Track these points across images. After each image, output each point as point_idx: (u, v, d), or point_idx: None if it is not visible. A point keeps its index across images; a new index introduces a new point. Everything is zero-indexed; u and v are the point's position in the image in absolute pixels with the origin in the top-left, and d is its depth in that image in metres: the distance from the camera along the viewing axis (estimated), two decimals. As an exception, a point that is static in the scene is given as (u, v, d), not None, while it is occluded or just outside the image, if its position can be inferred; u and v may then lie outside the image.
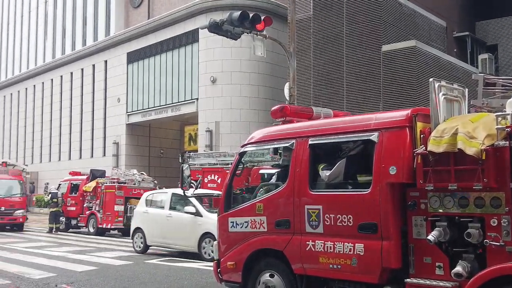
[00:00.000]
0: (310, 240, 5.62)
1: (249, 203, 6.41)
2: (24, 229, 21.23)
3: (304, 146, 5.94)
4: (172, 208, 12.94)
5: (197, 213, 11.92)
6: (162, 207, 13.18)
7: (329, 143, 5.81)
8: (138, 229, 13.66)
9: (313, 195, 5.73)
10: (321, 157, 5.92)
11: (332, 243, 5.42)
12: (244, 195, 6.87)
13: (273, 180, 6.74)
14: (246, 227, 6.29)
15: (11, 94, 45.10)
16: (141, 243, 13.47)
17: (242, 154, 6.87)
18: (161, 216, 12.95)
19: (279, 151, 6.61)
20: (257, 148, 6.90)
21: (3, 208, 20.78)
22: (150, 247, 13.54)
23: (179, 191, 12.02)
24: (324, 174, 5.71)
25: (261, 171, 13.23)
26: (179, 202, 12.78)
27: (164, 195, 13.48)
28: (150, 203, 13.82)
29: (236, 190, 6.97)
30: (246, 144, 6.79)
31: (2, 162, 32.64)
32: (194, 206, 12.15)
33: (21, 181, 22.04)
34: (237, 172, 6.92)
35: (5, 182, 21.80)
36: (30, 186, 25.38)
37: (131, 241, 13.97)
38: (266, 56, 16.83)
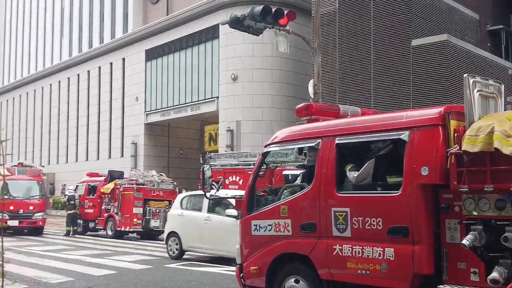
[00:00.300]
0: (337, 244, 5.60)
1: (273, 205, 6.41)
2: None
3: (330, 146, 5.92)
4: (210, 210, 12.51)
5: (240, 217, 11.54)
6: (200, 210, 12.79)
7: (357, 143, 5.77)
8: (173, 233, 13.28)
9: (340, 197, 5.70)
10: (348, 157, 5.89)
11: (361, 248, 5.39)
12: (268, 197, 6.86)
13: (298, 181, 6.73)
14: (269, 230, 6.29)
15: (27, 93, 45.92)
16: (176, 248, 13.11)
17: (265, 155, 6.87)
18: (199, 219, 12.56)
19: (304, 151, 6.59)
20: (281, 148, 6.88)
21: (21, 211, 20.30)
22: (186, 252, 13.17)
23: (218, 193, 11.72)
24: (352, 175, 5.69)
25: (285, 172, 13.24)
26: (218, 205, 12.35)
27: (202, 196, 13.02)
28: (186, 205, 13.43)
29: (259, 192, 6.96)
30: (269, 144, 6.79)
31: (18, 163, 33.36)
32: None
33: (40, 182, 21.70)
34: (260, 173, 6.92)
35: (23, 183, 21.34)
36: (50, 187, 25.15)
37: (165, 245, 13.63)
38: (289, 52, 16.79)
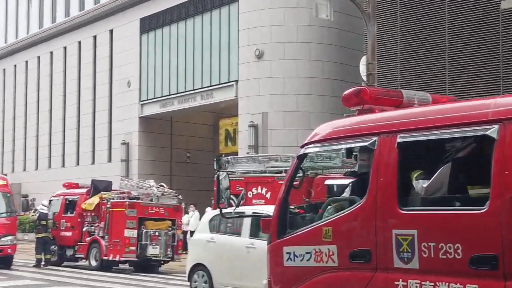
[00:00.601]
0: (401, 279, 5.57)
1: (312, 226, 6.41)
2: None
3: (390, 146, 5.89)
4: (254, 234, 12.10)
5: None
6: (238, 234, 12.58)
7: (427, 141, 5.73)
8: (199, 266, 13.09)
9: (404, 215, 5.67)
10: (415, 160, 5.86)
11: (432, 284, 5.36)
12: (305, 215, 6.89)
13: (346, 194, 6.70)
14: (308, 259, 6.30)
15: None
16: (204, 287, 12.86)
17: (302, 158, 6.87)
18: (238, 246, 12.29)
19: (354, 153, 6.58)
20: (323, 149, 6.87)
21: None
22: None
23: (264, 209, 11.38)
24: (420, 185, 5.65)
25: (328, 182, 13.24)
26: None
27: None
28: (217, 227, 13.19)
29: (293, 208, 6.98)
30: (307, 144, 6.79)
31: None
32: None
33: (9, 194, 20.97)
34: (294, 183, 6.93)
35: None
36: (23, 202, 24.03)
37: (188, 283, 13.40)
38: (334, 19, 16.78)
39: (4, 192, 20.78)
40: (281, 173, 15.30)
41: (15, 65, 43.37)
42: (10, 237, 20.01)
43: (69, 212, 21.82)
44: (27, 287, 15.74)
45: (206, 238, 13.13)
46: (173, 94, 31.51)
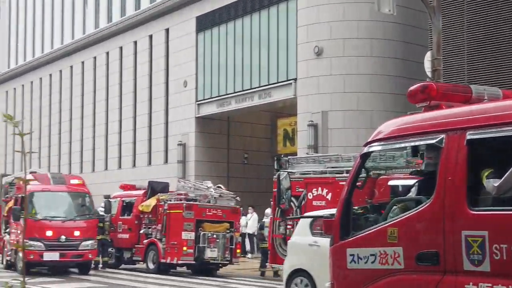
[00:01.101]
0: (471, 283, 5.52)
1: (377, 227, 6.39)
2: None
3: (459, 143, 5.83)
4: None
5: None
6: None
7: (498, 138, 5.64)
8: (299, 272, 12.62)
9: (474, 215, 5.60)
10: (485, 159, 5.81)
11: (505, 288, 5.27)
12: (369, 216, 6.86)
13: (412, 194, 6.67)
14: (372, 262, 6.27)
15: (40, 78, 47.85)
16: None
17: (365, 157, 6.85)
18: None
19: (419, 151, 6.51)
20: (387, 148, 6.85)
21: (63, 238, 19.08)
22: None
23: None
24: (491, 184, 5.57)
25: (392, 183, 13.10)
26: None
27: None
28: (320, 229, 12.35)
29: (356, 209, 6.95)
30: (370, 142, 6.77)
31: (31, 172, 34.79)
32: None
33: (87, 195, 20.36)
34: (357, 183, 6.90)
35: (63, 197, 20.19)
36: (106, 202, 21.87)
37: None
38: (397, 14, 16.59)
39: (80, 192, 20.47)
40: (342, 173, 15.19)
41: (71, 66, 44.30)
42: (90, 242, 19.45)
43: (126, 214, 22.17)
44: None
45: (307, 242, 12.66)
46: (230, 94, 31.69)
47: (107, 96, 40.48)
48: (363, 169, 6.96)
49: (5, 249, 21.05)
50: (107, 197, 22.60)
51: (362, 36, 26.73)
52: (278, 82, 29.21)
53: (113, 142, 39.70)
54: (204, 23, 33.35)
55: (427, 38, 21.15)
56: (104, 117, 40.65)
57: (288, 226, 16.57)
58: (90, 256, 19.57)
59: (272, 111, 34.13)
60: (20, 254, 18.87)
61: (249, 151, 34.87)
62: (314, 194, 16.20)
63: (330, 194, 15.69)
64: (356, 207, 6.99)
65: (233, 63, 31.74)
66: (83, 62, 42.98)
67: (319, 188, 16.16)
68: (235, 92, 31.43)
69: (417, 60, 24.26)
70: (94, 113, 41.65)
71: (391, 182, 13.26)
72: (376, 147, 6.80)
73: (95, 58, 41.75)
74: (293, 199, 15.25)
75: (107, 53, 40.55)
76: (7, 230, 21.14)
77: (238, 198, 21.41)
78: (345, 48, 26.82)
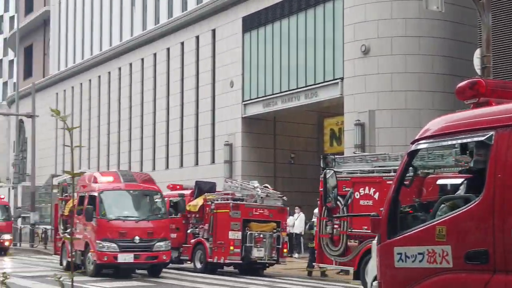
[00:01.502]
0: (522, 282, 5.41)
1: (425, 226, 6.33)
2: None
3: (508, 140, 5.77)
4: None
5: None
6: None
7: (549, 135, 5.55)
8: None
9: (525, 213, 5.50)
10: (536, 156, 5.68)
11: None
12: (417, 215, 6.80)
13: (460, 191, 6.59)
14: (420, 261, 6.22)
15: (90, 80, 48.60)
16: None
17: (412, 154, 6.79)
18: None
19: (468, 148, 6.46)
20: (435, 145, 6.79)
21: (137, 239, 18.51)
22: None
23: None
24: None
25: (441, 182, 12.92)
26: None
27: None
28: None
29: (404, 208, 6.90)
30: (418, 140, 6.71)
31: (80, 173, 35.35)
32: None
33: (160, 193, 19.87)
34: (405, 181, 6.84)
35: (136, 196, 19.66)
36: (180, 202, 20.99)
37: None
38: (445, 11, 16.41)
39: (151, 191, 19.83)
40: (389, 172, 15.09)
41: (119, 68, 44.88)
42: (164, 242, 18.88)
43: (173, 214, 22.35)
44: (134, 288, 16.30)
45: None
46: (276, 93, 31.70)
47: (155, 97, 40.88)
48: (411, 167, 6.90)
49: (64, 249, 20.71)
50: (181, 196, 21.65)
51: (410, 34, 26.49)
52: (324, 82, 29.12)
53: (161, 142, 40.09)
54: (250, 23, 33.44)
55: (476, 35, 20.86)
56: (151, 118, 41.07)
57: (335, 226, 16.53)
58: (164, 258, 18.95)
59: (318, 111, 34.04)
60: (90, 256, 18.69)
61: (296, 151, 34.84)
62: (361, 194, 16.11)
63: (377, 194, 15.59)
64: (403, 206, 6.94)
65: (279, 62, 31.76)
66: (131, 64, 43.50)
67: (366, 188, 16.07)
68: (281, 92, 31.44)
69: (466, 57, 23.97)
70: (142, 114, 42.10)
71: (440, 181, 13.10)
72: (423, 145, 6.75)
73: (142, 59, 42.21)
74: (339, 197, 15.20)
75: (155, 54, 40.96)
76: (68, 230, 20.66)
77: (284, 197, 21.42)
78: (392, 46, 26.63)
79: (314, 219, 20.99)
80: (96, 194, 19.00)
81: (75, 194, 20.52)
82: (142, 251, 18.54)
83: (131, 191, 19.61)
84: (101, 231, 18.35)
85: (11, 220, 33.14)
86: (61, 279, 3.65)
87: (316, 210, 22.46)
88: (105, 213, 18.68)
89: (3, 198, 34.87)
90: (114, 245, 18.23)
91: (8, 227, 31.51)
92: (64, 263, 20.86)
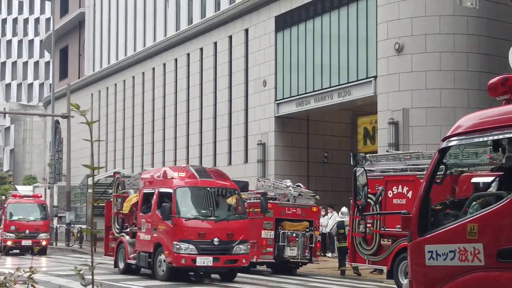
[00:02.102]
0: (556, 281, 5.32)
1: (456, 223, 6.27)
2: None
3: (541, 136, 5.66)
4: None
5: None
6: None
7: None
8: None
9: (558, 210, 5.42)
10: None
11: None
12: (448, 213, 6.75)
13: (492, 189, 6.52)
14: (452, 259, 6.16)
15: (124, 81, 49.01)
16: None
17: (444, 151, 6.73)
18: None
19: (501, 145, 6.42)
20: (467, 142, 6.68)
21: (216, 240, 17.03)
22: None
23: None
24: None
25: (475, 180, 12.79)
26: None
27: None
28: None
29: (435, 205, 6.84)
30: (449, 137, 6.64)
31: (115, 173, 35.60)
32: None
33: (238, 191, 18.49)
34: (436, 179, 6.78)
35: (214, 193, 17.81)
36: (263, 200, 19.79)
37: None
38: (479, 7, 16.25)
39: (230, 188, 18.32)
40: (423, 171, 14.99)
41: (153, 68, 45.19)
42: (244, 245, 17.51)
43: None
44: (163, 286, 16.37)
45: None
46: (309, 92, 31.65)
47: (188, 97, 41.09)
48: (442, 164, 6.84)
49: (122, 251, 19.52)
50: (264, 195, 19.83)
51: (444, 31, 26.24)
52: (357, 80, 28.99)
53: (194, 142, 40.29)
54: (283, 22, 33.43)
55: (511, 31, 20.56)
56: (185, 118, 41.29)
57: (368, 225, 16.47)
58: (243, 261, 17.58)
59: (352, 110, 33.90)
60: (163, 258, 17.24)
61: (329, 150, 34.75)
62: (394, 192, 16.04)
63: (410, 192, 15.50)
64: (435, 203, 6.88)
65: (312, 61, 31.70)
66: (164, 64, 43.78)
67: (399, 186, 16.00)
68: (314, 91, 31.37)
69: (501, 54, 23.65)
70: (176, 114, 42.35)
71: (474, 180, 12.97)
72: (455, 141, 6.68)
73: (176, 60, 42.45)
74: (371, 196, 15.13)
75: (188, 54, 41.17)
76: (127, 230, 19.55)
77: (317, 197, 21.39)
78: (426, 44, 26.40)
79: (345, 218, 20.96)
80: (171, 190, 17.42)
81: (131, 191, 19.93)
82: (222, 254, 17.09)
83: (208, 188, 17.78)
84: (179, 231, 16.83)
85: (49, 219, 33.02)
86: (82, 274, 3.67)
87: (343, 209, 22.44)
88: (182, 212, 17.15)
89: (40, 197, 35.27)
90: (192, 246, 16.76)
91: (46, 226, 31.44)
92: (121, 265, 19.48)
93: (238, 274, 19.10)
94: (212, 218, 17.42)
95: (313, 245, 20.36)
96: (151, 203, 18.13)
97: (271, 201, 20.29)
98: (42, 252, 29.56)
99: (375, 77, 27.80)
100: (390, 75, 27.03)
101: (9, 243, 29.65)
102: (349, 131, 35.43)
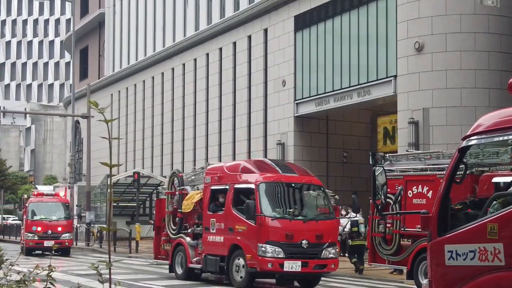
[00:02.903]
0: None
1: (476, 223, 6.22)
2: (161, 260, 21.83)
3: None
4: None
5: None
6: None
7: None
8: None
9: None
10: None
11: None
12: (468, 212, 6.70)
13: (514, 188, 6.45)
14: (472, 259, 6.12)
15: (143, 81, 49.22)
16: None
17: (463, 151, 6.69)
18: None
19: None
20: (487, 141, 6.63)
21: (305, 242, 15.34)
22: None
23: None
24: None
25: (496, 180, 12.70)
26: None
27: None
28: None
29: (455, 205, 6.80)
30: (470, 136, 6.60)
31: (134, 173, 35.80)
32: None
33: (324, 188, 17.12)
34: (456, 178, 6.74)
35: (299, 190, 16.31)
36: (354, 198, 18.60)
37: None
38: (500, 6, 16.13)
39: (315, 185, 16.72)
40: (443, 170, 14.89)
41: (172, 69, 45.33)
42: (333, 248, 16.05)
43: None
44: (184, 286, 16.41)
45: None
46: (328, 92, 31.58)
47: (207, 97, 41.17)
48: (462, 163, 6.79)
49: (180, 254, 17.79)
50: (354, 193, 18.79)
51: (465, 30, 26.07)
52: (377, 80, 28.89)
53: (214, 142, 40.36)
54: (302, 22, 33.39)
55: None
56: (204, 118, 41.38)
57: (388, 225, 16.39)
58: (332, 267, 15.98)
59: (371, 109, 33.79)
60: (242, 262, 15.52)
61: (349, 150, 34.67)
62: (414, 192, 15.96)
63: (430, 192, 15.41)
64: (455, 203, 6.84)
65: (331, 61, 31.64)
66: (183, 64, 43.91)
67: (419, 186, 15.91)
68: (333, 91, 31.30)
69: (523, 53, 23.46)
70: (195, 114, 42.45)
71: (495, 180, 12.89)
72: (476, 140, 6.63)
73: (195, 60, 42.56)
74: (390, 195, 15.07)
75: (207, 54, 41.25)
76: (188, 230, 17.77)
77: (337, 196, 21.31)
78: (447, 42, 26.25)
79: (359, 217, 20.96)
80: (252, 186, 15.62)
81: (188, 188, 18.22)
82: (311, 258, 15.43)
83: (293, 184, 16.12)
84: (264, 232, 15.04)
85: (72, 219, 31.89)
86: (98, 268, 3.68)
87: (352, 210, 22.44)
88: (267, 210, 15.30)
89: (64, 196, 34.80)
90: (280, 249, 15.05)
91: (69, 226, 30.24)
92: (179, 270, 17.78)
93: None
94: (299, 217, 15.65)
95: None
96: (219, 201, 16.58)
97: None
98: (65, 252, 28.73)
99: (395, 76, 27.69)
100: (410, 75, 26.91)
101: (30, 244, 28.71)
102: (369, 131, 35.33)
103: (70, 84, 64.21)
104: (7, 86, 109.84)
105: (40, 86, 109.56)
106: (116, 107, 52.83)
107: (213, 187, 16.93)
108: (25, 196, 37.12)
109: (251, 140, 36.84)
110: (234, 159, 38.13)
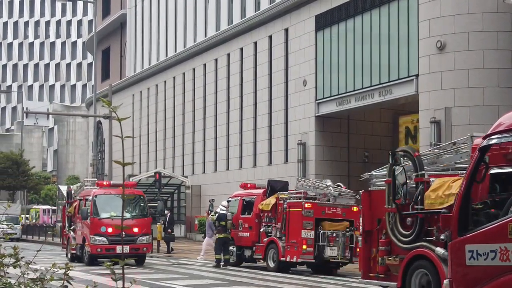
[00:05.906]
0: None
1: (497, 223, 6.17)
2: (182, 260, 21.98)
3: None
4: None
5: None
6: None
7: None
8: None
9: None
10: None
11: None
12: (489, 212, 6.65)
13: (536, 188, 6.38)
14: (493, 258, 6.07)
15: (165, 81, 49.40)
16: None
17: (484, 150, 6.66)
18: None
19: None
20: (508, 140, 6.59)
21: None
22: None
23: None
24: None
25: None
26: None
27: None
28: None
29: (476, 204, 6.76)
30: (490, 134, 6.57)
31: (155, 173, 35.89)
32: None
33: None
34: (477, 177, 6.70)
35: None
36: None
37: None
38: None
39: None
40: (464, 170, 14.75)
41: (193, 69, 45.44)
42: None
43: (246, 213, 22.49)
44: (206, 286, 16.45)
45: None
46: (349, 92, 31.46)
47: (228, 97, 41.21)
48: (482, 162, 6.76)
49: (421, 272, 11.32)
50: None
51: (487, 29, 25.86)
52: (399, 79, 28.73)
53: (234, 142, 40.40)
54: (323, 21, 33.30)
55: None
56: (225, 118, 41.43)
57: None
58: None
59: (393, 109, 33.62)
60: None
61: (370, 150, 34.53)
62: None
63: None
64: (476, 202, 6.80)
65: (352, 60, 31.53)
66: (204, 65, 43.99)
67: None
68: (354, 90, 31.19)
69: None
70: (216, 114, 42.51)
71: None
72: (497, 139, 6.60)
73: (216, 60, 42.62)
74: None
75: (228, 54, 41.30)
76: (432, 237, 14.42)
77: (358, 196, 21.22)
78: (469, 41, 26.06)
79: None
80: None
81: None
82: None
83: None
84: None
85: (149, 216, 23.88)
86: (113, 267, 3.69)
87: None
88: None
89: (134, 185, 26.55)
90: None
91: (146, 226, 23.11)
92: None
93: (275, 274, 19.04)
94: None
95: (353, 245, 20.23)
96: None
97: (311, 200, 20.24)
98: (140, 261, 22.59)
99: (417, 75, 27.53)
100: (432, 74, 26.74)
101: (98, 250, 21.99)
102: (390, 130, 35.16)
103: (92, 85, 64.59)
104: (30, 87, 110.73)
105: (62, 87, 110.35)
106: (138, 108, 53.05)
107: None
108: (72, 187, 30.17)
109: (272, 140, 36.82)
110: (255, 159, 38.21)
